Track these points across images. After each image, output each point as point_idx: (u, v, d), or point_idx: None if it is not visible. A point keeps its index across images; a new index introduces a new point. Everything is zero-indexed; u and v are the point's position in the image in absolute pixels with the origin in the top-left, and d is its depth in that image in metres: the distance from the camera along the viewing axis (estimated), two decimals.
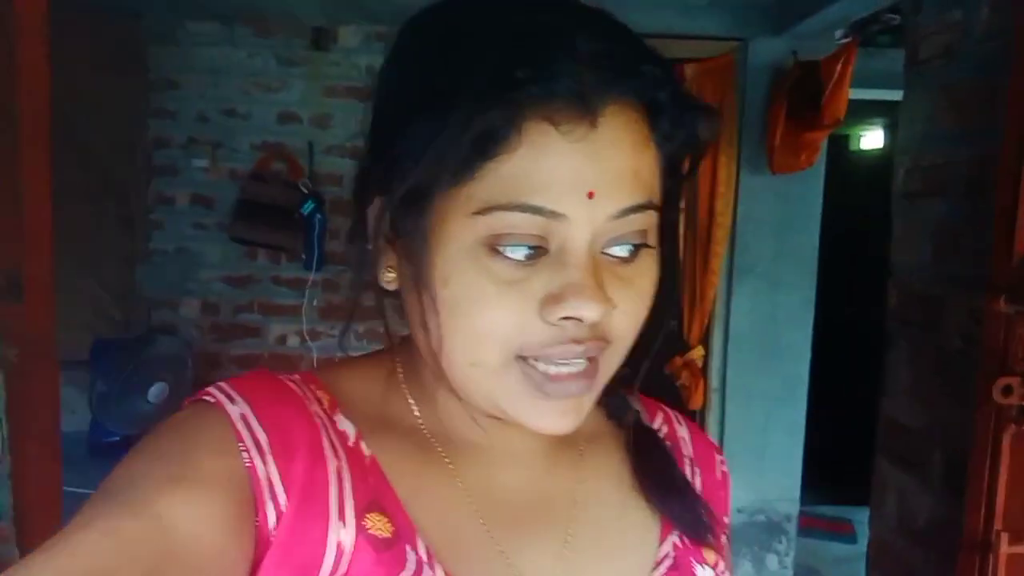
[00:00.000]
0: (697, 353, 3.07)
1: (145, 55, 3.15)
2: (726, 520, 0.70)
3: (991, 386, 1.17)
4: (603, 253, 0.52)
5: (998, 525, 1.19)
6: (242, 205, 3.13)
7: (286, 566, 0.49)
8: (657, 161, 0.53)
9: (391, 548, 0.52)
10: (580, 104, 0.48)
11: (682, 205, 2.86)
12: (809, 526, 3.68)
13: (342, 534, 0.51)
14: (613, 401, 0.69)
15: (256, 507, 0.50)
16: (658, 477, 0.64)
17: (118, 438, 2.91)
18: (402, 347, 0.61)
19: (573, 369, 0.52)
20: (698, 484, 0.69)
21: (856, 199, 4.63)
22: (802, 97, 2.75)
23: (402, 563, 0.52)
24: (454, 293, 0.50)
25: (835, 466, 3.80)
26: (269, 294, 3.27)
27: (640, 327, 0.55)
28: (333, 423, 0.56)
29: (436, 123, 0.48)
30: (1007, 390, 1.14)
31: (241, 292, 3.27)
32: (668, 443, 0.69)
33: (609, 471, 0.65)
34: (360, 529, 0.52)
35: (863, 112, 4.78)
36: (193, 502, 0.47)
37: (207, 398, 0.53)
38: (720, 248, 2.99)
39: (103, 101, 2.96)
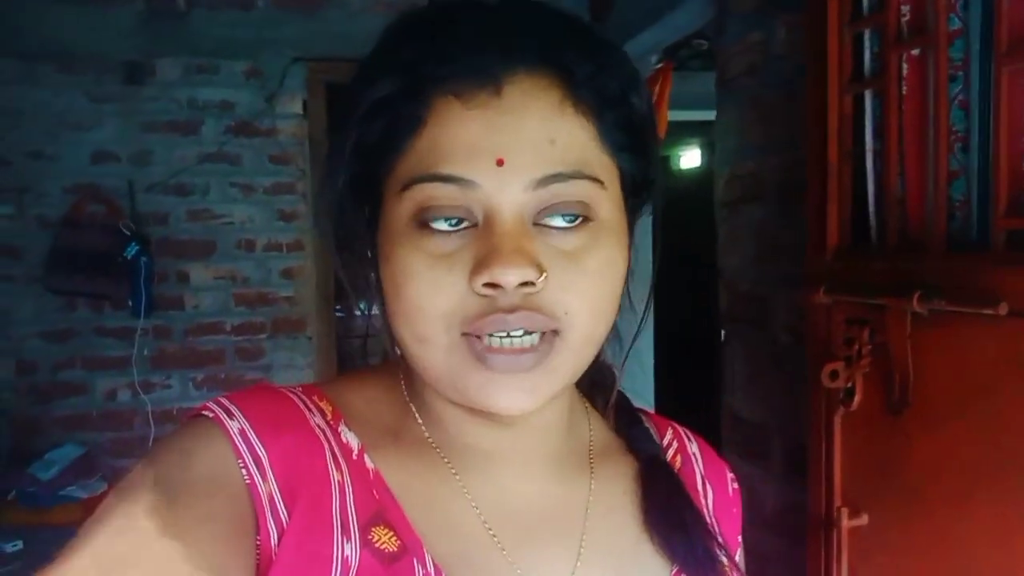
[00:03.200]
0: None
1: None
2: (739, 539, 0.71)
3: (819, 373, 1.25)
4: (539, 224, 0.51)
5: (838, 502, 1.27)
6: (57, 253, 2.90)
7: None
8: (588, 131, 0.53)
9: (398, 562, 0.51)
10: (481, 75, 0.50)
11: None
12: None
13: (347, 548, 0.50)
14: (635, 432, 0.68)
15: (257, 525, 0.49)
16: (666, 517, 0.62)
17: None
18: (404, 360, 0.60)
19: (516, 344, 0.51)
20: (711, 502, 0.68)
21: (679, 214, 4.90)
22: None
23: None
24: (392, 271, 0.52)
25: None
26: (93, 347, 3.03)
27: (598, 313, 0.53)
28: (337, 435, 0.55)
29: (351, 114, 0.53)
30: (833, 375, 1.23)
31: (61, 347, 3.01)
32: (680, 458, 0.69)
33: (620, 490, 0.64)
34: (365, 543, 0.51)
35: (680, 133, 5.08)
36: (190, 525, 0.46)
37: (206, 413, 0.52)
38: None
39: None
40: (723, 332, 1.92)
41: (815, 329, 1.31)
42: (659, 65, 2.98)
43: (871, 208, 1.24)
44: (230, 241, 3.07)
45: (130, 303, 2.96)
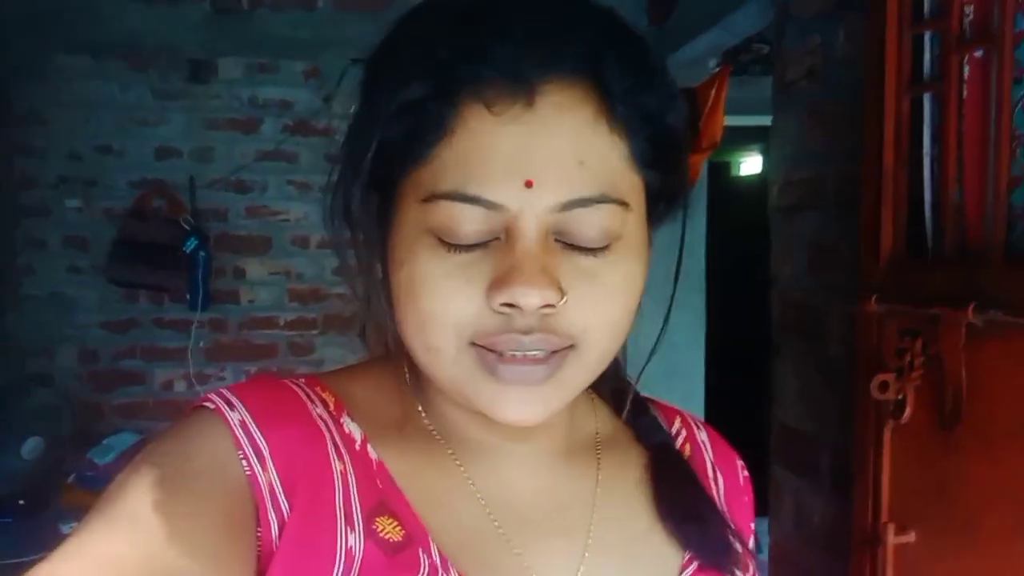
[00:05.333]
0: None
1: (7, 89, 2.98)
2: (752, 527, 0.69)
3: (868, 384, 1.22)
4: (562, 242, 0.50)
5: (884, 517, 1.24)
6: (120, 245, 2.97)
7: (294, 574, 0.48)
8: (619, 150, 0.51)
9: (403, 552, 0.51)
10: (513, 83, 0.47)
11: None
12: None
13: (351, 539, 0.50)
14: (643, 421, 0.67)
15: (258, 516, 0.49)
16: (679, 507, 0.61)
17: None
18: (406, 351, 0.59)
19: (529, 356, 0.49)
20: (721, 489, 0.67)
21: (740, 221, 4.81)
22: None
23: (416, 567, 0.51)
24: (407, 276, 0.50)
25: None
26: (152, 338, 3.11)
27: (616, 329, 0.52)
28: (339, 426, 0.55)
29: (375, 108, 0.51)
30: (883, 386, 1.19)
31: (121, 337, 3.10)
32: (689, 446, 0.68)
33: (629, 480, 0.63)
34: (369, 533, 0.50)
35: (741, 139, 4.99)
36: (189, 518, 0.46)
37: (207, 404, 0.52)
38: None
39: None
40: (773, 340, 1.88)
41: (866, 339, 1.28)
42: (717, 69, 2.94)
43: (928, 215, 1.20)
44: (285, 238, 3.13)
45: (188, 296, 3.03)
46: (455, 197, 0.48)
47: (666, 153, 0.54)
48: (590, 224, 0.49)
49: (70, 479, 2.74)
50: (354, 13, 2.92)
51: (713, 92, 2.62)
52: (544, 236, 0.49)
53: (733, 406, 4.33)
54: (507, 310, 0.48)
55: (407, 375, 0.60)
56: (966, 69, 1.11)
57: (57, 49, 2.96)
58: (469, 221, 0.48)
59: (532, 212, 0.48)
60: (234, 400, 0.51)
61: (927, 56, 1.20)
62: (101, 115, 3.02)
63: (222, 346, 3.12)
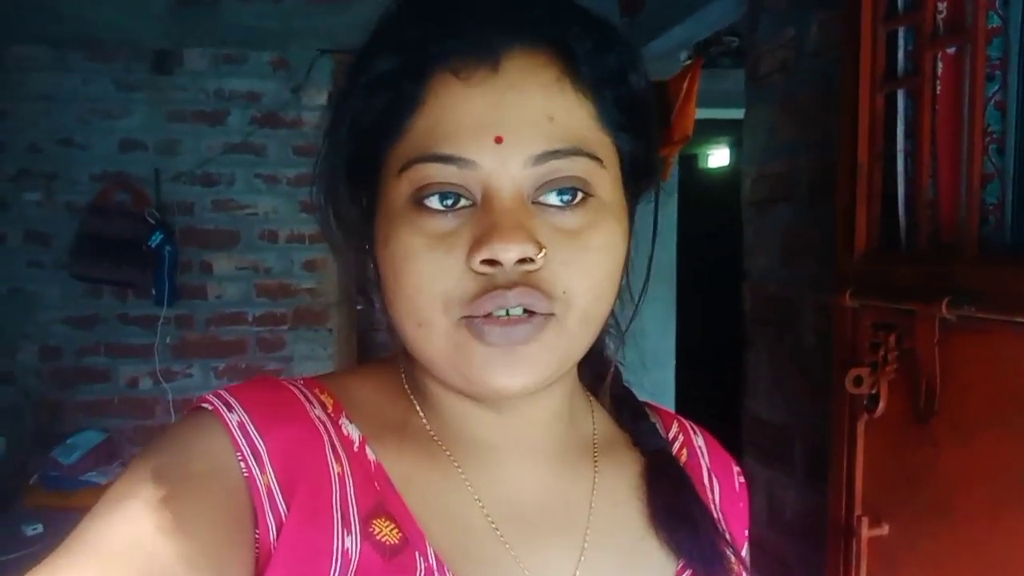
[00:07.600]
0: None
1: None
2: (746, 533, 0.69)
3: (843, 378, 1.22)
4: (537, 203, 0.51)
5: (859, 510, 1.24)
6: (83, 240, 2.92)
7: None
8: (587, 108, 0.52)
9: (399, 555, 0.51)
10: (479, 51, 0.50)
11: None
12: None
13: (347, 541, 0.49)
14: (640, 426, 0.67)
15: (256, 518, 0.48)
16: (672, 512, 0.61)
17: None
18: (405, 353, 0.59)
19: (512, 313, 0.50)
20: (717, 496, 0.67)
21: (707, 213, 4.85)
22: None
23: (412, 570, 0.51)
24: (391, 252, 0.51)
25: None
26: (116, 334, 3.06)
27: (598, 292, 0.52)
28: (338, 428, 0.55)
29: (349, 91, 0.53)
30: (858, 381, 1.19)
31: (85, 334, 3.04)
32: (685, 451, 0.68)
33: (625, 484, 0.63)
34: (366, 536, 0.50)
35: (709, 131, 5.03)
36: (187, 520, 0.46)
37: (205, 406, 0.52)
38: None
39: None
40: (745, 332, 1.89)
41: (841, 333, 1.28)
42: (688, 61, 2.95)
43: (901, 210, 1.21)
44: (253, 232, 3.08)
45: (154, 292, 2.98)
46: (429, 158, 0.49)
47: (633, 115, 0.55)
48: (564, 177, 0.51)
49: (33, 479, 2.69)
50: (322, 3, 2.88)
51: (685, 85, 2.62)
52: (519, 197, 0.50)
53: (702, 397, 4.37)
54: (488, 269, 0.49)
55: (406, 377, 0.60)
56: (939, 65, 1.12)
57: (16, 40, 2.88)
58: (444, 182, 0.49)
59: (505, 169, 0.49)
60: (232, 401, 0.51)
61: (901, 52, 1.20)
62: (62, 107, 2.95)
63: (189, 342, 3.08)
